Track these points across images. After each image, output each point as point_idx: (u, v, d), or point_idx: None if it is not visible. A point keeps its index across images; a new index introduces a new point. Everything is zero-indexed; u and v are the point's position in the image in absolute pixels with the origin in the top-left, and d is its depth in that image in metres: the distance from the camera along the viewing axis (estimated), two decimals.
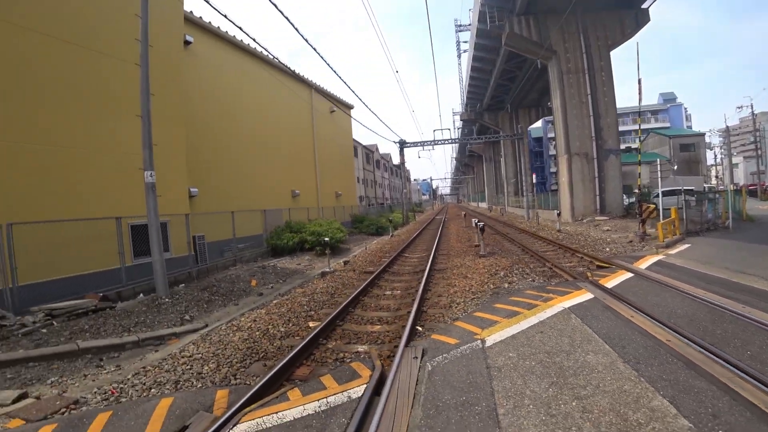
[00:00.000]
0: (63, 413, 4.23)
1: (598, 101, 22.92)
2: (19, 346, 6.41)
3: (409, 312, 6.65)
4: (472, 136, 52.19)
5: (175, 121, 13.00)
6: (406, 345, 4.85)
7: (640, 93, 13.63)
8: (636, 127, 54.02)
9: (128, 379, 5.02)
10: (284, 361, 4.61)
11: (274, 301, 8.63)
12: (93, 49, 10.54)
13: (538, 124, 52.95)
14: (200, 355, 5.50)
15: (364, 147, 44.93)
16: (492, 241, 15.36)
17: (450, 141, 37.51)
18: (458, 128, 61.53)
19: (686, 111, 63.50)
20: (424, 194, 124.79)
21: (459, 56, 57.97)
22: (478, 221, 13.96)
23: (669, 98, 64.11)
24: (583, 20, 22.94)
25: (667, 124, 58.68)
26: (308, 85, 27.35)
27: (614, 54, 23.62)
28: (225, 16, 9.66)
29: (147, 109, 9.41)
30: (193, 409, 3.69)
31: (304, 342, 5.22)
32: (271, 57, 21.91)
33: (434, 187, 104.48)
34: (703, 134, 45.58)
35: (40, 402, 4.64)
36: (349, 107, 35.29)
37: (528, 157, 38.81)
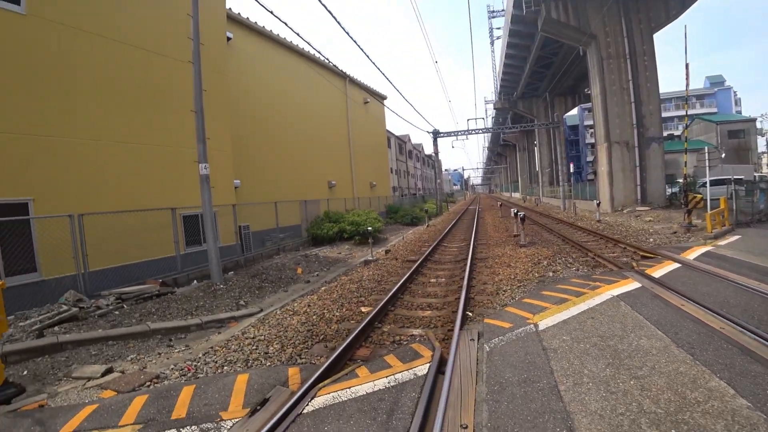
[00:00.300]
0: (148, 386, 4.67)
1: (639, 87, 22.27)
2: (97, 326, 6.99)
3: (458, 298, 6.88)
4: (505, 125, 51.45)
5: (222, 116, 13.53)
6: (460, 329, 5.07)
7: (687, 78, 13.24)
8: (679, 113, 51.97)
9: (200, 357, 5.46)
10: (346, 342, 4.92)
11: (323, 288, 9.01)
12: (146, 49, 11.10)
13: (574, 111, 51.63)
14: (263, 336, 5.90)
15: (397, 137, 45.05)
16: (530, 231, 15.32)
17: (483, 130, 37.19)
18: (491, 117, 60.78)
19: (735, 95, 60.16)
20: (455, 184, 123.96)
21: (492, 43, 56.99)
22: (517, 211, 13.96)
23: (716, 82, 60.83)
24: (625, 2, 22.24)
25: (714, 110, 55.89)
26: (342, 76, 27.67)
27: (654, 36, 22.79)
28: (271, 13, 9.99)
29: (200, 105, 9.90)
30: (270, 384, 4.04)
31: (362, 325, 5.52)
32: (307, 50, 22.41)
33: (465, 177, 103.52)
34: (753, 120, 43.25)
35: (126, 376, 5.13)
36: (383, 98, 35.45)
37: (564, 146, 37.99)
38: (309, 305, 7.34)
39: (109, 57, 10.19)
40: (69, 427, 3.61)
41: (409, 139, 52.96)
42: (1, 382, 4.68)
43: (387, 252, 13.35)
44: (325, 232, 17.02)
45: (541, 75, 35.91)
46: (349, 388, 3.74)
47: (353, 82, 29.19)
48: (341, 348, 4.73)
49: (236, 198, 15.11)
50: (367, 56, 14.09)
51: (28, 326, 6.83)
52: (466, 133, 34.30)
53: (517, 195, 62.91)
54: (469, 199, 76.88)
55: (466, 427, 2.96)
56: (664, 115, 35.79)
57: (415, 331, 5.67)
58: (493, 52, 57.69)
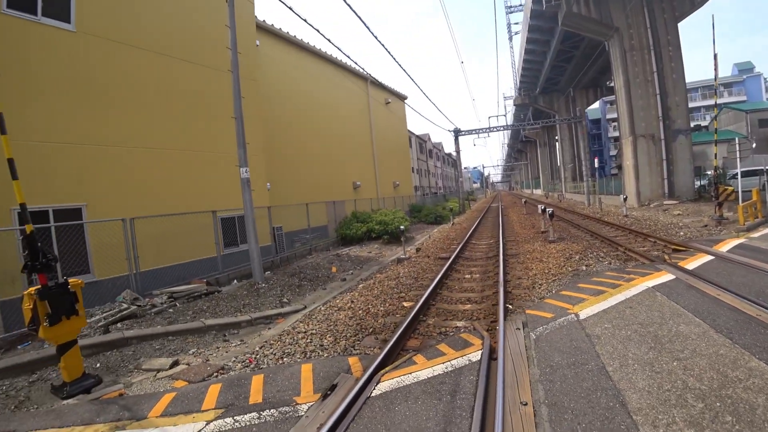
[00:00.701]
0: (216, 376, 5.08)
1: (665, 78, 22.03)
2: (155, 322, 7.51)
3: (495, 292, 7.18)
4: (525, 121, 51.17)
5: (255, 121, 14.06)
6: (504, 319, 5.37)
7: (716, 69, 13.19)
8: (705, 103, 50.87)
9: (257, 350, 5.87)
10: (398, 333, 5.26)
11: (360, 286, 9.39)
12: (184, 59, 11.69)
13: (596, 105, 51.00)
14: (314, 331, 6.28)
15: (417, 136, 45.31)
16: (557, 228, 15.43)
17: (504, 128, 37.19)
18: (511, 113, 60.49)
19: (766, 82, 58.43)
20: (474, 182, 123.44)
21: (510, 39, 56.59)
22: (545, 207, 14.12)
23: (745, 68, 58.91)
24: None
25: (743, 98, 54.31)
26: (364, 77, 28.09)
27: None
28: (305, 21, 10.42)
29: (239, 111, 10.39)
30: (334, 372, 4.40)
31: (409, 318, 5.85)
32: (329, 53, 22.88)
33: (486, 174, 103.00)
34: None
35: (193, 368, 5.57)
36: (403, 98, 35.76)
37: (587, 140, 37.66)
38: (352, 301, 7.72)
39: (151, 68, 10.79)
40: (155, 411, 4.02)
41: (429, 138, 53.14)
42: (81, 374, 5.16)
43: (418, 250, 13.67)
44: (354, 232, 17.45)
45: (562, 69, 35.67)
46: (410, 373, 4.08)
47: (375, 83, 29.57)
48: (394, 339, 5.07)
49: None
50: (395, 59, 14.42)
51: (94, 323, 7.39)
52: (488, 130, 34.36)
53: (538, 191, 62.41)
54: (489, 197, 76.57)
55: (526, 404, 3.27)
56: (689, 105, 35.20)
57: (459, 323, 5.98)
58: (511, 48, 57.32)
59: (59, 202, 8.83)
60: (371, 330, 6.05)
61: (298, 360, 5.17)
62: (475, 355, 4.34)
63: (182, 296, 8.75)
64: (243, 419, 3.57)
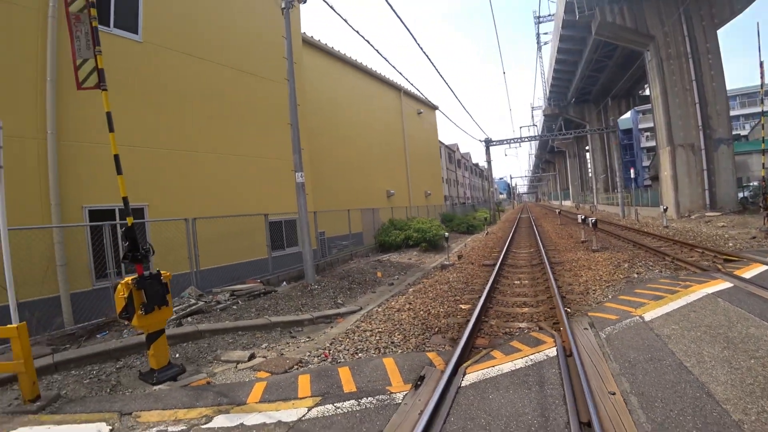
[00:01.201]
0: (297, 369, 5.42)
1: (704, 87, 21.75)
2: (222, 318, 7.95)
3: (550, 297, 7.41)
4: (554, 131, 50.85)
5: (301, 129, 14.63)
6: (567, 320, 5.59)
7: (762, 77, 13.11)
8: (745, 111, 49.52)
9: (328, 346, 6.22)
10: (467, 332, 5.52)
11: (411, 290, 9.69)
12: (238, 69, 12.38)
13: (627, 115, 50.24)
14: (380, 329, 6.61)
15: (446, 146, 45.58)
16: (597, 237, 15.43)
17: (535, 138, 37.27)
18: (539, 123, 60.13)
19: None
20: (500, 193, 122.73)
21: (539, 49, 56.55)
22: (585, 217, 14.19)
23: None
24: (685, 0, 21.89)
25: None
26: (397, 88, 28.59)
27: None
28: (358, 32, 10.93)
29: (295, 118, 10.93)
30: (417, 365, 4.70)
31: (473, 319, 6.12)
32: (363, 63, 23.42)
33: (513, 185, 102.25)
34: None
35: (271, 360, 5.93)
36: (434, 108, 36.15)
37: (620, 150, 37.22)
38: (409, 303, 8.02)
39: (209, 77, 11.47)
40: (253, 398, 4.35)
41: (458, 148, 53.34)
42: (167, 362, 5.57)
43: (460, 257, 13.90)
44: (393, 239, 17.80)
45: (594, 79, 35.48)
46: (493, 366, 4.36)
47: (407, 93, 30.06)
48: (465, 337, 5.34)
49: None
50: (437, 70, 14.78)
51: None
52: (519, 140, 34.42)
53: (567, 203, 61.66)
54: (517, 208, 76.06)
55: (614, 393, 3.51)
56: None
57: (522, 324, 6.22)
58: (540, 58, 57.25)
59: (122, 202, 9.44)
60: (437, 329, 6.34)
61: (374, 355, 5.50)
62: (550, 351, 4.59)
63: (243, 294, 9.22)
64: (343, 405, 3.90)
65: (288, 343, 6.79)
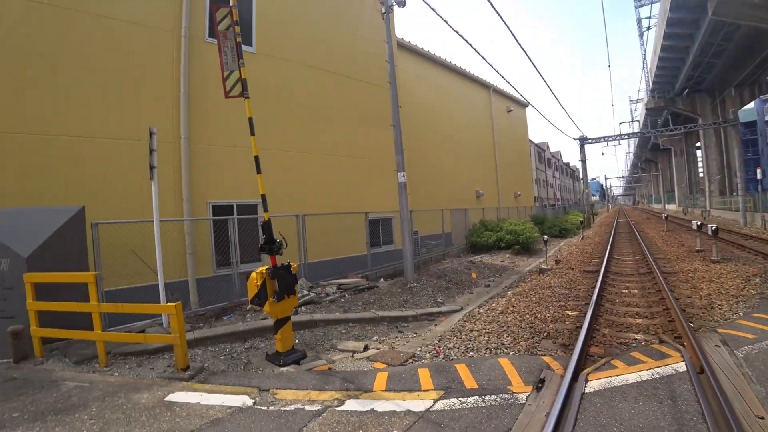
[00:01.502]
0: (411, 362, 5.70)
1: None
2: (331, 309, 8.48)
3: (666, 309, 7.06)
4: (658, 127, 46.53)
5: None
6: (691, 335, 5.30)
7: None
8: None
9: (436, 343, 6.44)
10: (581, 339, 5.46)
11: (510, 293, 9.65)
12: (341, 74, 13.02)
13: (750, 105, 44.15)
14: (486, 330, 6.72)
15: (536, 145, 43.96)
16: (716, 248, 14.13)
17: (638, 134, 34.45)
18: (639, 119, 55.54)
19: None
20: (593, 195, 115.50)
21: (641, 35, 52.01)
22: (701, 224, 13.08)
23: None
24: None
25: None
26: (486, 86, 28.06)
27: None
28: (456, 31, 11.00)
29: (397, 119, 11.32)
30: (534, 368, 4.76)
31: (585, 326, 6.02)
32: (452, 62, 23.30)
33: (607, 186, 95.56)
34: None
35: (385, 353, 6.27)
36: (524, 105, 35.00)
37: (740, 147, 33.04)
38: (513, 306, 8.03)
39: (314, 82, 12.18)
40: (378, 386, 4.61)
41: (548, 147, 51.19)
42: (291, 347, 6.09)
43: (557, 262, 13.50)
44: (484, 240, 17.66)
45: (709, 66, 31.68)
46: (616, 376, 4.31)
47: (496, 91, 29.42)
48: (580, 344, 5.28)
49: None
50: (533, 63, 14.45)
51: None
52: (618, 138, 32.25)
53: (672, 206, 56.42)
54: (612, 212, 71.15)
55: (763, 418, 3.35)
56: None
57: (637, 336, 6.00)
58: (642, 45, 52.64)
59: (241, 198, 10.37)
60: (545, 334, 6.32)
61: (486, 355, 5.63)
62: (678, 366, 4.42)
63: (349, 288, 9.76)
64: (468, 401, 4.07)
65: (397, 338, 7.13)
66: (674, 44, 30.33)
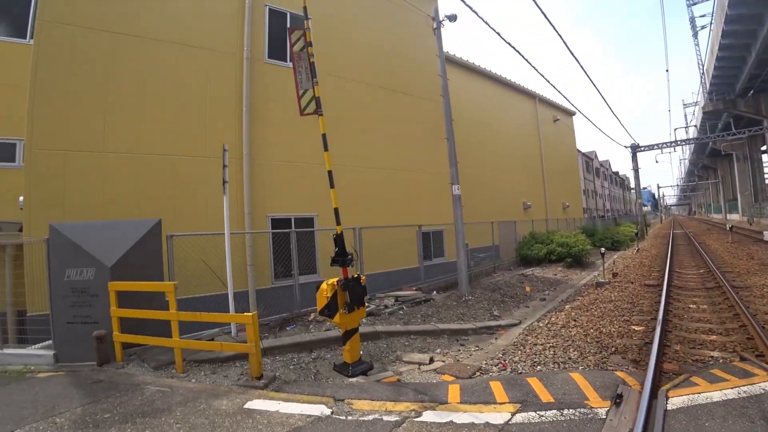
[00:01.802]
0: (479, 375, 5.76)
1: None
2: (391, 321, 8.67)
3: (742, 325, 6.82)
4: (718, 132, 43.94)
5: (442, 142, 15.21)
6: None
7: None
8: None
9: (501, 356, 6.46)
10: (654, 355, 5.36)
11: (568, 306, 9.52)
12: (392, 89, 13.37)
13: None
14: (550, 344, 6.68)
15: (584, 154, 42.82)
16: None
17: (695, 140, 32.86)
18: (695, 122, 52.82)
19: None
20: (644, 205, 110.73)
21: (695, 35, 49.69)
22: None
23: None
24: None
25: None
26: (531, 95, 27.76)
27: None
28: (509, 43, 11.11)
29: (451, 132, 11.54)
30: (609, 383, 4.73)
31: (656, 341, 5.90)
32: (497, 72, 23.21)
33: (660, 195, 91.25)
34: None
35: (451, 365, 6.31)
36: (571, 114, 34.31)
37: None
38: (574, 320, 7.94)
39: (367, 98, 12.58)
40: (452, 398, 4.66)
41: (596, 156, 49.74)
42: (359, 358, 6.26)
43: (615, 275, 13.14)
44: (535, 252, 17.41)
45: None
46: (698, 393, 4.23)
47: (542, 100, 29.03)
48: (654, 359, 5.20)
49: None
50: (583, 69, 14.27)
51: None
52: (674, 144, 30.96)
53: (734, 216, 53.08)
54: (666, 223, 68.00)
55: None
56: None
57: (713, 353, 5.82)
58: (696, 45, 50.25)
59: (298, 212, 10.81)
60: (614, 349, 6.23)
61: (554, 369, 5.63)
62: (766, 385, 4.30)
63: (407, 301, 9.93)
64: (546, 415, 4.10)
65: (459, 351, 7.20)
66: (733, 42, 28.67)
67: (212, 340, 7.08)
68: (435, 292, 11.96)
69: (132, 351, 6.61)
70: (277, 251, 10.12)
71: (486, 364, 6.23)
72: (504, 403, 4.49)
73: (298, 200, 10.84)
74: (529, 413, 4.18)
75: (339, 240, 6.18)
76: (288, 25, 11.25)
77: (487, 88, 22.77)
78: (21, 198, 10.01)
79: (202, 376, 5.84)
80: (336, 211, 6.21)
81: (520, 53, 12.67)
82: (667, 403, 4.12)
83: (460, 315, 9.31)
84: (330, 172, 6.27)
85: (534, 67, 12.51)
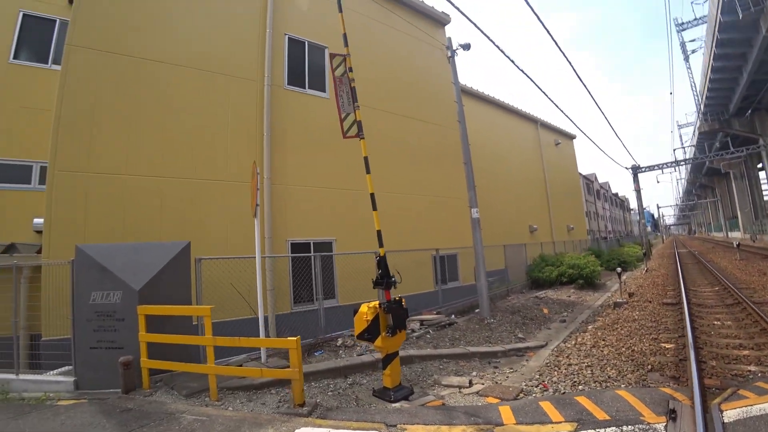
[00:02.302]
0: (523, 397, 5.78)
1: None
2: (420, 345, 8.71)
3: None
4: (715, 150, 44.50)
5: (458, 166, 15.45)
6: None
7: None
8: None
9: (538, 377, 6.52)
10: (695, 370, 5.43)
11: (590, 327, 9.59)
12: (410, 116, 13.81)
13: None
14: (585, 364, 6.74)
15: (584, 176, 43.36)
16: None
17: (693, 160, 33.42)
18: (691, 146, 53.72)
19: None
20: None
21: (686, 59, 51.26)
22: None
23: None
24: None
25: None
26: (533, 120, 28.36)
27: None
28: (522, 70, 11.51)
29: (468, 156, 11.88)
30: (659, 399, 4.79)
31: (693, 357, 5.96)
32: (498, 98, 23.79)
33: (660, 215, 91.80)
34: None
35: (493, 387, 6.33)
36: (572, 137, 34.97)
37: None
38: (602, 339, 8.01)
39: (388, 125, 12.92)
40: (507, 419, 4.67)
41: (596, 178, 50.33)
42: (399, 383, 6.24)
43: (631, 295, 13.22)
44: (546, 275, 17.50)
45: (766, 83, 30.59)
46: (751, 405, 4.31)
47: (544, 125, 29.64)
48: (695, 375, 5.26)
49: None
50: (592, 97, 14.72)
51: None
52: (674, 165, 31.41)
53: (736, 234, 53.34)
54: (667, 242, 68.23)
55: None
56: None
57: (750, 367, 5.90)
58: (689, 68, 51.67)
59: (317, 236, 10.94)
60: (650, 367, 6.29)
61: (597, 388, 5.70)
62: None
63: (432, 324, 9.99)
64: None
65: (495, 373, 7.24)
66: (725, 65, 29.48)
67: (240, 365, 6.98)
68: (453, 316, 11.99)
69: (157, 378, 6.41)
70: (296, 276, 10.18)
71: (526, 385, 6.29)
72: (560, 422, 4.53)
73: (316, 225, 10.99)
74: (589, 431, 4.24)
75: (382, 262, 6.27)
76: (306, 54, 11.75)
77: (491, 115, 23.33)
78: (35, 219, 10.24)
79: (238, 404, 5.74)
80: (379, 233, 6.33)
81: (532, 80, 13.10)
82: (722, 416, 4.20)
83: (486, 338, 9.36)
84: (372, 195, 6.45)
85: (544, 92, 12.94)
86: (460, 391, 6.40)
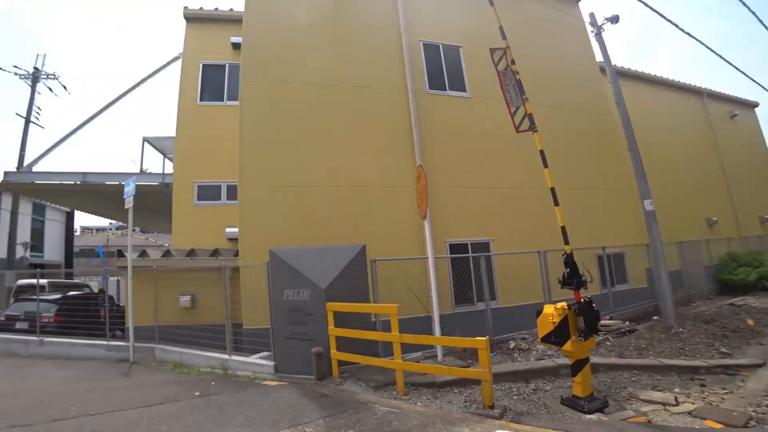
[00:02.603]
0: (753, 425, 4.80)
1: None
2: (601, 354, 7.72)
3: None
4: None
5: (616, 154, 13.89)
6: None
7: None
8: None
9: (766, 404, 5.35)
10: None
11: None
12: (555, 106, 12.87)
13: None
14: None
15: None
16: None
17: None
18: None
19: None
20: None
21: None
22: None
23: None
24: None
25: None
26: (697, 91, 23.93)
27: None
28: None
29: (633, 142, 10.88)
30: None
31: None
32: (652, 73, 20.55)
33: None
34: None
35: (709, 409, 5.40)
36: (753, 105, 28.54)
37: None
38: None
39: (546, 119, 11.77)
40: None
41: None
42: (591, 392, 5.53)
43: None
44: (741, 277, 14.62)
45: None
46: None
47: (712, 95, 24.80)
48: None
49: None
50: None
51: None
52: None
53: None
54: None
55: None
56: None
57: None
58: None
59: (473, 237, 10.78)
60: None
61: None
62: None
63: (611, 331, 9.02)
64: None
65: (703, 392, 6.19)
66: None
67: (418, 362, 7.12)
68: (627, 322, 10.66)
69: (343, 369, 6.92)
70: (456, 277, 10.13)
71: (755, 411, 5.21)
72: None
73: (471, 225, 10.85)
74: None
75: (570, 260, 5.79)
76: (442, 56, 11.73)
77: (639, 92, 20.20)
78: (228, 228, 12.28)
79: (425, 400, 5.80)
80: (563, 229, 5.90)
81: (699, 41, 11.10)
82: None
83: (679, 349, 8.07)
84: (553, 189, 6.07)
85: (718, 54, 10.80)
86: (665, 409, 5.55)
